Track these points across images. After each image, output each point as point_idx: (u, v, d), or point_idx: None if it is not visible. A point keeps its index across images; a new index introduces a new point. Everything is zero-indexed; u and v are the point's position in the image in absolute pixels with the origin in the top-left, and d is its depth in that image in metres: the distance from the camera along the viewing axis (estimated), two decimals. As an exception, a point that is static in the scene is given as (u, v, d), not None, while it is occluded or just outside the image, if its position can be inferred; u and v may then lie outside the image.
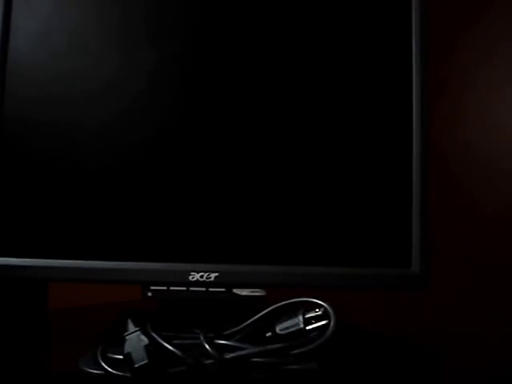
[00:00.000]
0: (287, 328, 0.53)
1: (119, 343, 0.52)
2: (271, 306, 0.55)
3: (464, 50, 1.14)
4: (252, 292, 0.57)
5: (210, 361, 0.51)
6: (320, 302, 0.53)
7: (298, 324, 0.53)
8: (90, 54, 0.59)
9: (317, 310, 0.53)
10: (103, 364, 0.52)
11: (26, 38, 0.59)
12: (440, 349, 0.65)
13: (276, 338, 0.53)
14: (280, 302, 0.54)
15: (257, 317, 0.54)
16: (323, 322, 0.52)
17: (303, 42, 0.59)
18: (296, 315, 0.53)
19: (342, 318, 0.52)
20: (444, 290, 0.94)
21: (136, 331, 0.52)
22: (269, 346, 0.52)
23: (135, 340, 0.52)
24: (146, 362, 0.50)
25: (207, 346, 0.51)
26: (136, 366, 0.50)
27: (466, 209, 1.10)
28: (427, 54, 0.58)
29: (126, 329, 0.53)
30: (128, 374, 0.51)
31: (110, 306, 0.77)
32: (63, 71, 0.58)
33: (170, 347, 0.51)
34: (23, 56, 0.58)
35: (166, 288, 0.57)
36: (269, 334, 0.54)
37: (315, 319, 0.53)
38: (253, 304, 0.57)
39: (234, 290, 0.57)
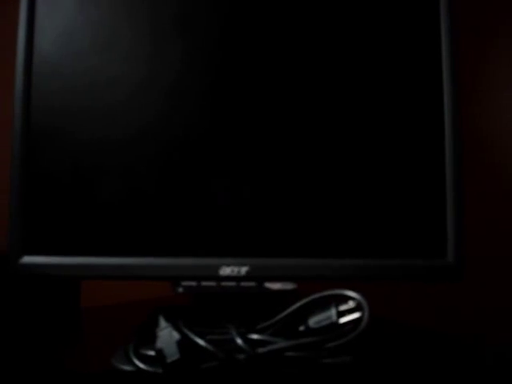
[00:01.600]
0: (320, 321, 0.52)
1: (151, 339, 0.52)
2: (303, 299, 0.54)
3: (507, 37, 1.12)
4: (283, 285, 0.57)
5: (242, 355, 0.50)
6: (353, 294, 0.52)
7: (330, 317, 0.52)
8: (116, 49, 0.58)
9: (350, 302, 0.52)
10: (135, 360, 0.52)
11: (50, 37, 0.59)
12: (478, 338, 0.64)
13: (309, 331, 0.53)
14: (311, 295, 0.54)
15: (289, 310, 0.54)
16: (357, 315, 0.51)
17: (333, 39, 0.58)
18: (329, 308, 0.52)
19: (376, 311, 0.51)
20: (481, 281, 0.92)
21: (167, 327, 0.52)
22: (302, 340, 0.51)
23: (167, 336, 0.51)
24: (177, 357, 0.50)
25: (239, 341, 0.51)
26: (168, 361, 0.50)
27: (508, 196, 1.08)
28: (458, 42, 0.57)
29: (157, 325, 0.53)
30: (160, 370, 0.50)
31: (141, 303, 0.77)
32: (89, 68, 0.58)
33: (202, 342, 0.51)
34: (48, 55, 0.58)
35: (196, 283, 0.57)
36: (302, 328, 0.53)
37: (348, 312, 0.52)
38: (284, 298, 0.56)
39: (265, 284, 0.56)
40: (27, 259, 0.57)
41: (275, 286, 0.56)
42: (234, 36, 0.58)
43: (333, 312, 0.52)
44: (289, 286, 0.57)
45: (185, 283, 0.56)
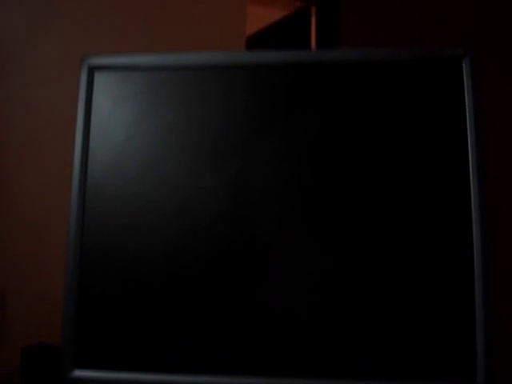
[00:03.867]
0: None
1: None
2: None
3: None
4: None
5: None
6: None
7: None
8: (159, 177, 0.63)
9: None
10: None
11: (101, 164, 0.64)
12: None
13: None
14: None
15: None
16: None
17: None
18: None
19: None
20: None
21: None
22: None
23: None
24: None
25: None
26: None
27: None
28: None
29: None
30: None
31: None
32: (136, 191, 0.63)
33: None
34: (99, 180, 0.64)
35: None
36: None
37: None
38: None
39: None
40: (78, 373, 0.60)
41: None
42: (255, 164, 0.62)
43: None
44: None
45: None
